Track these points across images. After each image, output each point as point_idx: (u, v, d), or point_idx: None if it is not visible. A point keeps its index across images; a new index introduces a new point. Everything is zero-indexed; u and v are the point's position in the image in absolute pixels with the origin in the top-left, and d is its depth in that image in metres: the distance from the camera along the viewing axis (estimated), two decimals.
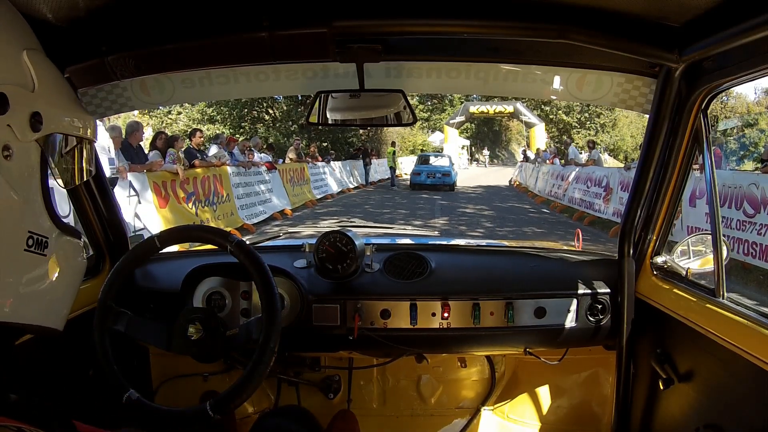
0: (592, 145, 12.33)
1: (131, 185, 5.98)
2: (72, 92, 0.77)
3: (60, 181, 0.74)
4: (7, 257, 0.61)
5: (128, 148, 6.29)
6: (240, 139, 11.49)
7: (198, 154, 7.80)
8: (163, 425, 1.02)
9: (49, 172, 0.70)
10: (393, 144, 19.72)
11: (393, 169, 18.55)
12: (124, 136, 6.35)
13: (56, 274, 0.71)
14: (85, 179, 0.83)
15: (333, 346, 1.54)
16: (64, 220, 0.74)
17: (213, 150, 8.49)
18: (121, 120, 12.54)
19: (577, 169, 11.00)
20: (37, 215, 0.66)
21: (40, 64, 0.66)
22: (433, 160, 17.94)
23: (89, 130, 0.77)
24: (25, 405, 0.61)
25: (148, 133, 12.20)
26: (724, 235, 1.23)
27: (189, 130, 11.56)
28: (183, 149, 7.44)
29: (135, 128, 6.60)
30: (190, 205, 7.12)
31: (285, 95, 19.19)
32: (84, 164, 0.78)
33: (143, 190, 6.19)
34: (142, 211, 6.13)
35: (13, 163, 0.61)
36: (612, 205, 8.87)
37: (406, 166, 24.08)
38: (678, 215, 6.12)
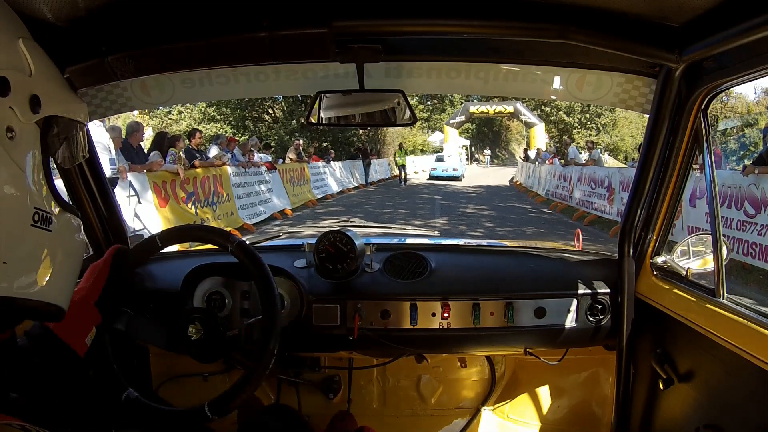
0: (591, 146, 12.32)
1: (131, 185, 5.98)
2: (63, 79, 0.80)
3: (61, 161, 0.79)
4: (16, 231, 0.64)
5: (128, 149, 6.29)
6: (240, 140, 11.50)
7: (198, 155, 7.81)
8: (161, 425, 1.02)
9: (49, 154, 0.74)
10: (401, 146, 21.55)
11: (403, 167, 20.06)
12: (124, 137, 6.36)
13: (61, 251, 0.74)
14: (78, 161, 0.86)
15: (333, 346, 1.54)
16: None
17: (213, 151, 8.50)
18: (121, 120, 12.54)
19: (582, 170, 10.98)
20: (40, 193, 0.69)
21: (34, 51, 0.70)
22: (446, 159, 23.94)
23: (82, 115, 0.81)
24: (27, 404, 0.61)
25: (148, 134, 12.19)
26: (724, 235, 1.23)
27: (190, 130, 11.59)
28: (183, 149, 7.45)
29: (135, 128, 6.61)
30: (189, 205, 7.13)
31: (285, 95, 19.28)
32: (77, 147, 0.82)
33: (143, 190, 6.19)
34: (142, 211, 6.13)
35: (16, 143, 0.65)
36: (615, 205, 8.88)
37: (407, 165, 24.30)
38: (678, 215, 6.12)
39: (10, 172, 0.64)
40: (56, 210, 0.72)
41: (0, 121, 0.63)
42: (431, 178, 22.14)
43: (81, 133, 0.82)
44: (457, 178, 21.71)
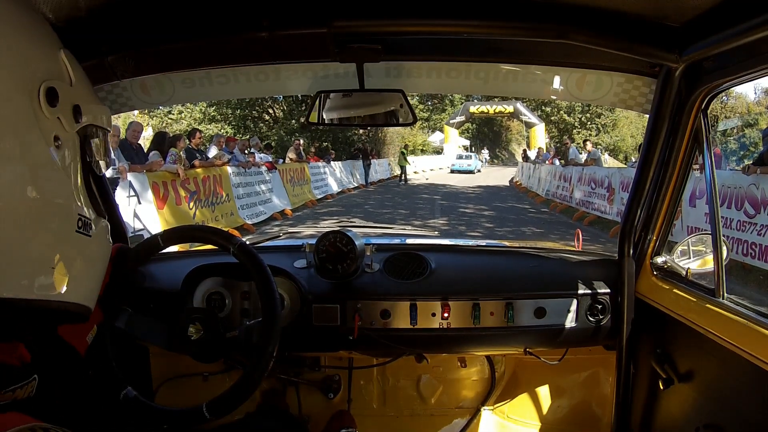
0: (592, 147, 12.34)
1: (131, 185, 5.97)
2: (92, 87, 0.82)
3: (96, 168, 0.81)
4: (63, 237, 0.67)
5: (127, 148, 6.28)
6: (240, 138, 11.50)
7: (198, 155, 7.80)
8: (159, 424, 1.02)
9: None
10: (405, 147, 23.67)
11: (405, 167, 21.35)
12: (123, 136, 6.36)
13: (96, 255, 0.77)
14: (108, 168, 0.88)
15: (333, 346, 1.54)
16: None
17: (213, 151, 8.48)
18: (121, 120, 12.54)
19: (582, 170, 10.97)
20: (82, 199, 0.72)
21: (72, 61, 0.72)
22: (464, 157, 30.95)
23: (107, 121, 0.83)
24: (32, 404, 0.62)
25: (148, 133, 12.19)
26: (723, 236, 1.23)
27: (190, 130, 11.60)
28: (183, 149, 7.45)
29: (132, 128, 6.62)
30: (191, 204, 7.12)
31: (285, 95, 19.36)
32: (107, 154, 0.85)
33: (143, 190, 6.18)
34: (142, 211, 6.12)
35: (62, 152, 0.67)
36: (615, 205, 8.88)
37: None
38: (678, 215, 6.12)
39: (59, 180, 0.66)
40: (93, 215, 0.75)
41: (49, 130, 0.65)
42: (453, 171, 29.32)
43: (107, 140, 0.85)
44: (471, 171, 28.95)
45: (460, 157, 31.24)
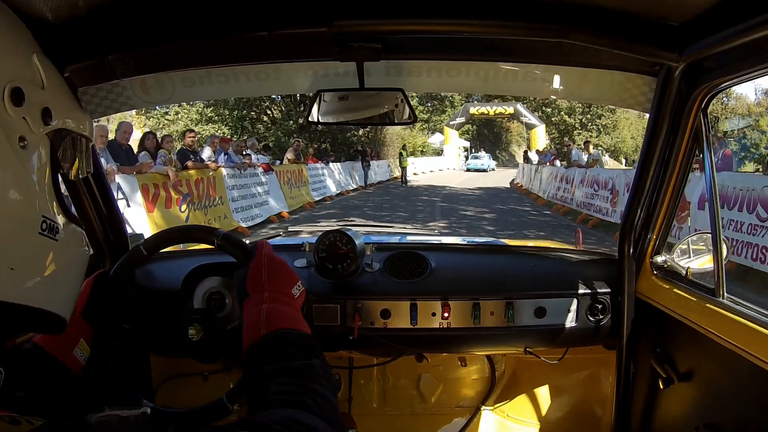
0: (594, 148, 12.38)
1: (120, 188, 5.82)
2: (72, 94, 0.82)
3: (68, 173, 0.79)
4: (24, 238, 0.66)
5: (116, 149, 6.17)
6: (235, 139, 11.41)
7: (191, 156, 7.69)
8: (188, 427, 1.00)
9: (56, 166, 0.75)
10: (404, 147, 23.81)
11: (405, 168, 21.81)
12: (113, 137, 6.29)
13: (66, 261, 0.75)
14: (83, 176, 0.86)
15: (333, 346, 1.53)
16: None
17: (207, 152, 8.37)
18: (117, 120, 12.48)
19: (585, 172, 10.92)
20: (48, 202, 0.71)
21: (46, 66, 0.72)
22: (478, 157, 34.00)
23: (87, 129, 0.82)
24: (26, 401, 0.61)
25: (137, 135, 12.12)
26: (733, 239, 1.23)
27: (185, 130, 11.53)
28: (176, 150, 7.34)
29: (122, 128, 6.53)
30: (183, 207, 7.00)
31: (285, 94, 19.39)
32: (84, 161, 0.83)
33: (132, 192, 6.03)
34: (131, 214, 5.95)
35: (28, 153, 0.67)
36: (619, 208, 8.82)
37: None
38: (686, 218, 6.05)
39: (22, 179, 0.65)
40: (63, 220, 0.73)
41: (13, 130, 0.65)
42: (467, 170, 32.26)
43: (87, 148, 0.84)
44: (485, 170, 31.87)
45: (474, 157, 34.76)
